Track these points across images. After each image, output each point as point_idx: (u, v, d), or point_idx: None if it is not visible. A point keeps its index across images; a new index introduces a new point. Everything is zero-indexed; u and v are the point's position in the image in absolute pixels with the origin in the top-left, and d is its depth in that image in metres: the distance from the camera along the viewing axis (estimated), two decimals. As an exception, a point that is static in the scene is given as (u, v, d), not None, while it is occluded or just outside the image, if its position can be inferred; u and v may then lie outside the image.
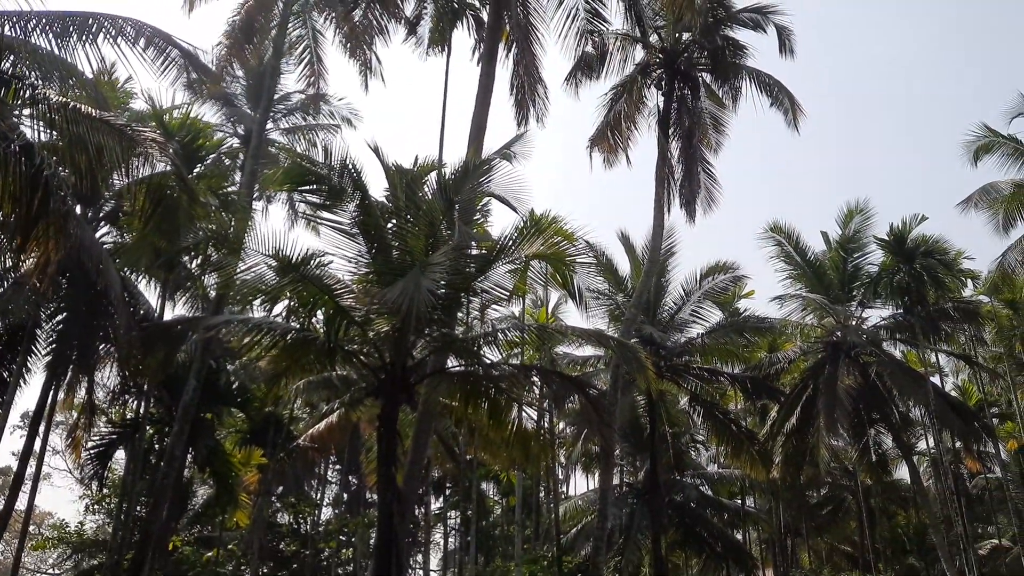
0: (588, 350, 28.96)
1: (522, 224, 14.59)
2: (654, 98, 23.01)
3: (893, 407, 25.83)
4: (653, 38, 22.98)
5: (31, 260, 16.16)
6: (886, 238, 25.63)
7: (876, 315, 27.10)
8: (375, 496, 24.06)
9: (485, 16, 21.57)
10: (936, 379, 28.97)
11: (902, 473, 32.35)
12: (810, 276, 26.68)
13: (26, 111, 12.08)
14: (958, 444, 29.85)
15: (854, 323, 26.11)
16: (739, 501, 34.12)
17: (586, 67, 22.82)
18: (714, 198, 22.76)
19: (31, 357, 17.76)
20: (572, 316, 38.48)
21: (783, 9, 22.14)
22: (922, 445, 33.59)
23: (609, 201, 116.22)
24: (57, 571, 42.80)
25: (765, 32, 22.19)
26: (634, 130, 22.87)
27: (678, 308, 26.59)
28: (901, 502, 34.01)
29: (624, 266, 27.18)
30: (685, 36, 22.78)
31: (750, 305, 29.69)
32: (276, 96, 22.85)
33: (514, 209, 19.19)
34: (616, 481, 28.74)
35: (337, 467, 38.63)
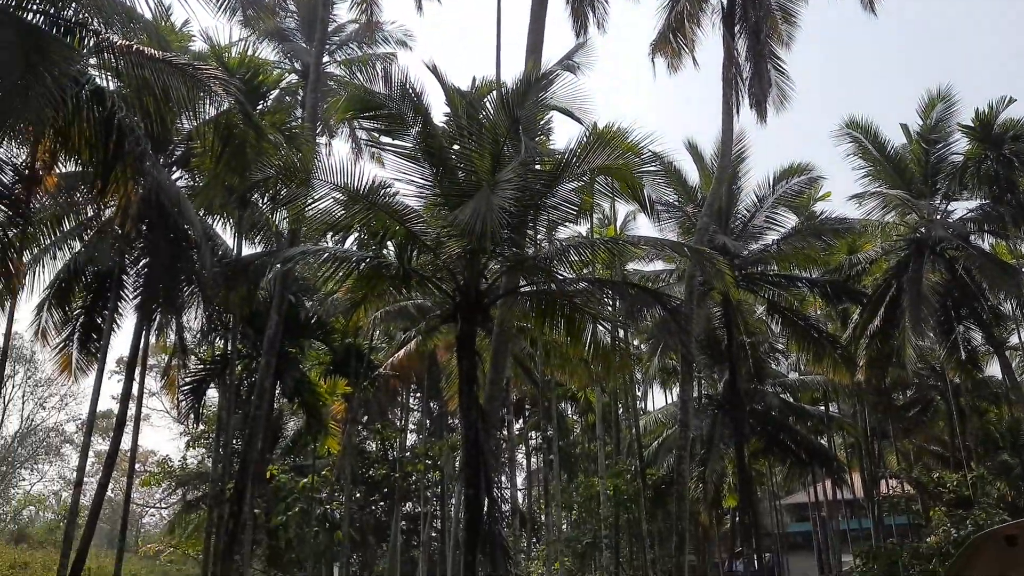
0: (658, 265, 28.64)
1: (586, 137, 14.22)
2: (717, -8, 21.95)
3: (982, 302, 24.87)
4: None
5: (111, 209, 16.69)
6: (971, 125, 24.24)
7: (962, 207, 25.89)
8: (457, 421, 24.60)
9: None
10: (1028, 270, 27.71)
11: (992, 370, 31.41)
12: (890, 172, 25.53)
13: (92, 60, 12.26)
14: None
15: (939, 217, 25.04)
16: (822, 407, 33.76)
17: (643, -34, 21.87)
18: (786, 95, 21.80)
19: (121, 303, 18.46)
20: (640, 233, 37.92)
21: None
22: (1014, 339, 32.40)
23: (674, 111, 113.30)
24: (164, 505, 45.53)
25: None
26: (698, 30, 21.92)
27: (751, 215, 25.92)
28: (993, 399, 33.12)
29: (693, 176, 26.56)
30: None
31: (827, 208, 28.79)
32: (330, 28, 22.65)
33: (579, 121, 18.81)
34: (695, 394, 28.67)
35: (418, 395, 39.62)
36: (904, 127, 26.05)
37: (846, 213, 25.61)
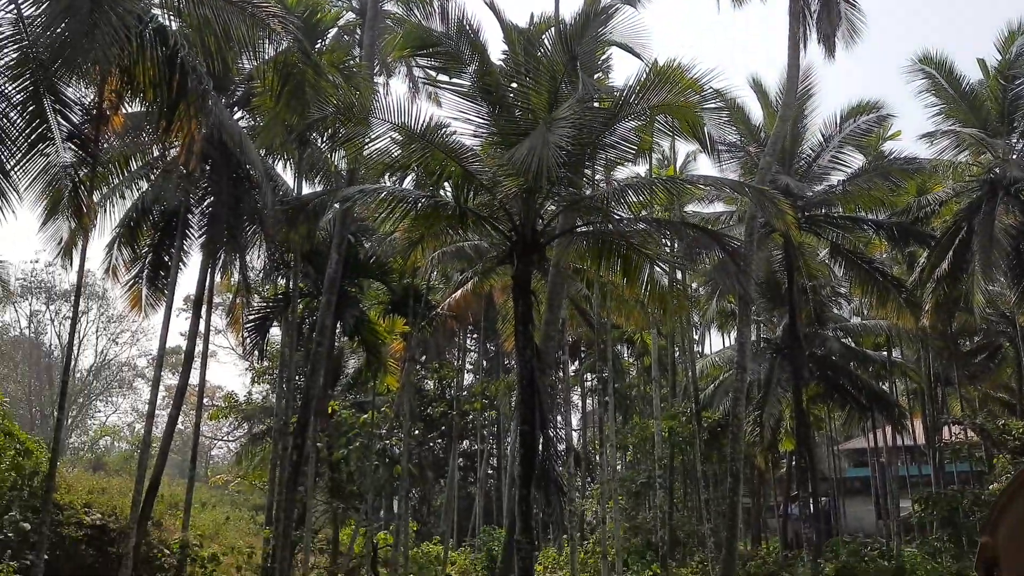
0: (718, 207, 28.19)
1: (646, 74, 13.87)
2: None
3: (1059, 244, 23.89)
4: None
5: (176, 150, 17.03)
6: (1054, 59, 23.04)
7: (1040, 146, 24.73)
8: (513, 362, 24.85)
9: None
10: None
11: (1067, 315, 30.29)
12: (965, 109, 24.44)
13: (155, 0, 12.42)
14: None
15: (1015, 157, 23.95)
16: (885, 353, 33.14)
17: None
18: (856, 30, 21.00)
19: (187, 241, 18.98)
20: (700, 173, 37.19)
21: None
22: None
23: (738, 49, 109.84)
24: (231, 437, 47.34)
25: None
26: (764, -40, 21.14)
27: (816, 155, 25.26)
28: (1065, 345, 32.02)
29: (756, 114, 25.89)
30: None
31: (895, 147, 27.75)
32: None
33: (639, 57, 18.41)
34: (753, 337, 28.37)
35: (474, 335, 40.06)
36: (981, 62, 24.84)
37: (916, 153, 24.77)
